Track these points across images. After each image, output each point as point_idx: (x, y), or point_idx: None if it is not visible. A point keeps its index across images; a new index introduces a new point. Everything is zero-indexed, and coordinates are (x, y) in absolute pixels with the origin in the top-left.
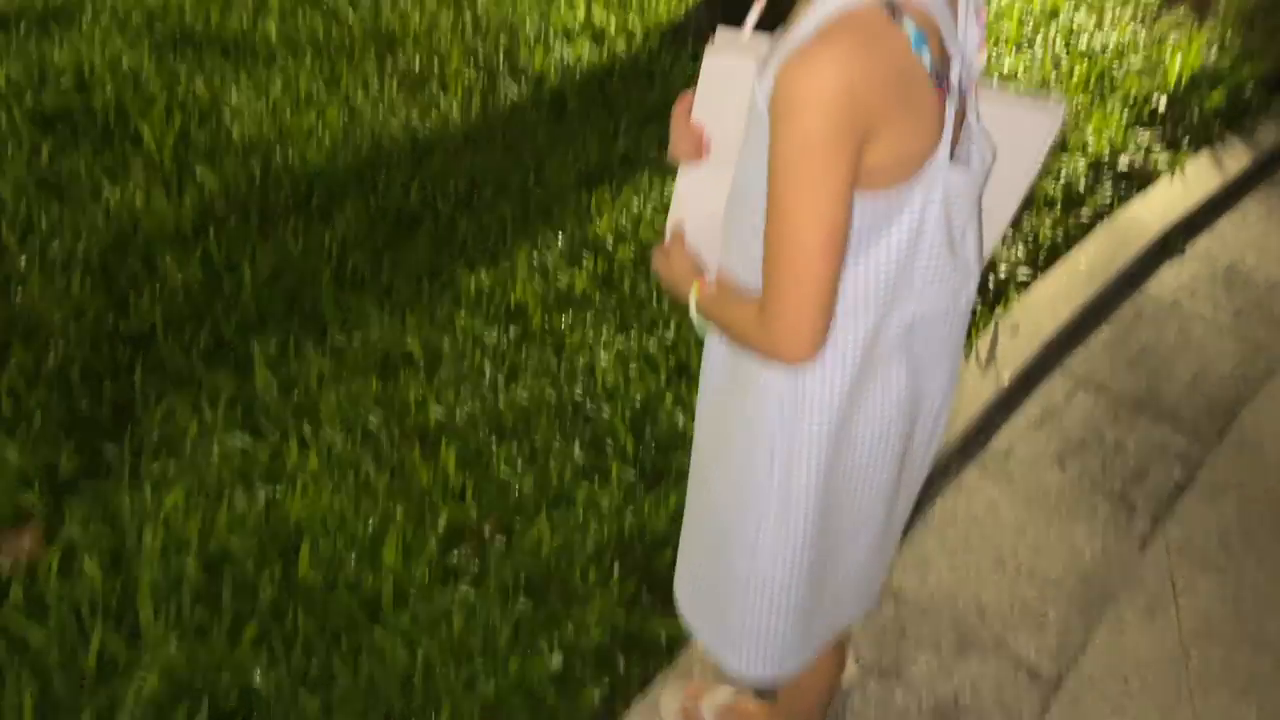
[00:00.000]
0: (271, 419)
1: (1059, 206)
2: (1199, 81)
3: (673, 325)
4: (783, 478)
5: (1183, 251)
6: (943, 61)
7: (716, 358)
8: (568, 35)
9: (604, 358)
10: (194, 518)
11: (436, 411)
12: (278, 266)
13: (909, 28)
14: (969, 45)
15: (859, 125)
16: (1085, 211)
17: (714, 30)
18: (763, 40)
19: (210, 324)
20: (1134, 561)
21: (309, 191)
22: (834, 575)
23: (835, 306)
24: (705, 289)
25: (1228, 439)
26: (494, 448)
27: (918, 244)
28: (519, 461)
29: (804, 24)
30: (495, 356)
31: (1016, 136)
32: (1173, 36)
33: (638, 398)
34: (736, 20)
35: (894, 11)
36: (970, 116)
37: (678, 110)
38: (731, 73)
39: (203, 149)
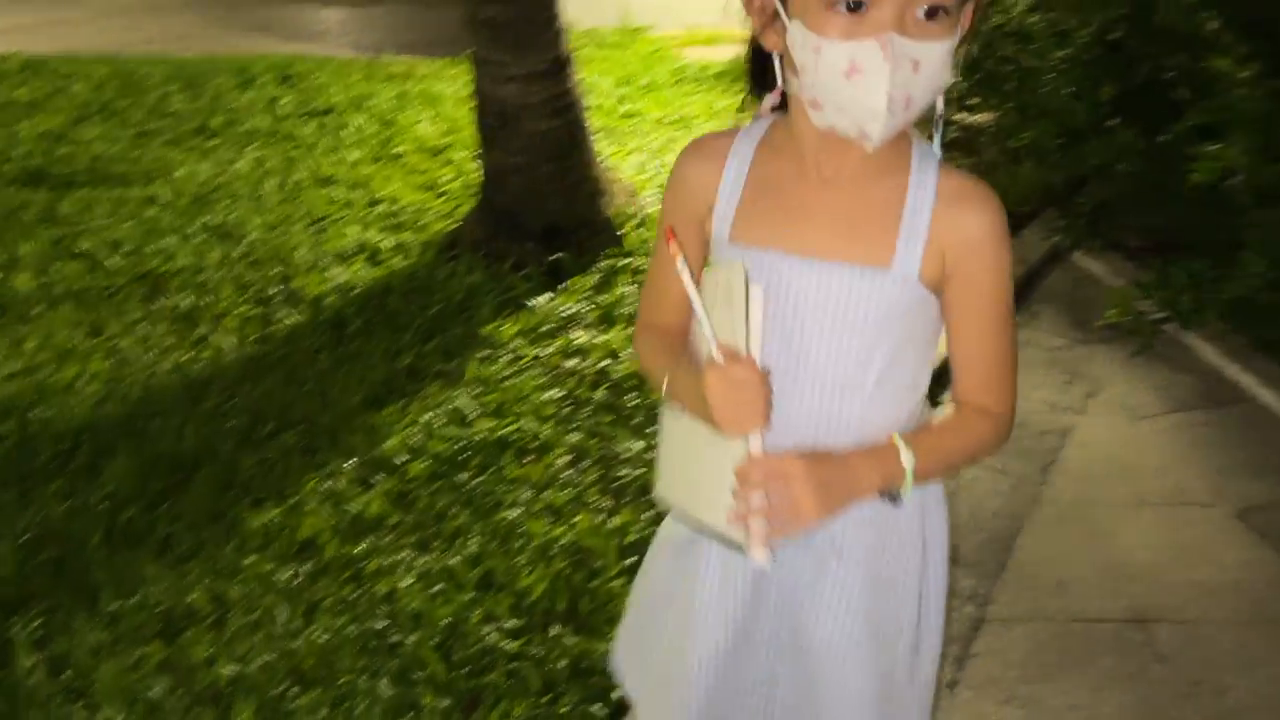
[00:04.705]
0: (39, 707)
1: None
2: None
3: (476, 536)
4: None
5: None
6: None
7: None
8: (342, 258)
9: (405, 582)
10: None
11: (228, 668)
12: (40, 535)
13: None
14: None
15: None
16: None
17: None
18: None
19: None
20: (945, 705)
21: (73, 449)
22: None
23: None
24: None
25: (1008, 571)
26: (294, 699)
27: None
28: (322, 710)
29: None
30: (289, 597)
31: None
32: None
33: (443, 620)
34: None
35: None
36: None
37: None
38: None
39: None
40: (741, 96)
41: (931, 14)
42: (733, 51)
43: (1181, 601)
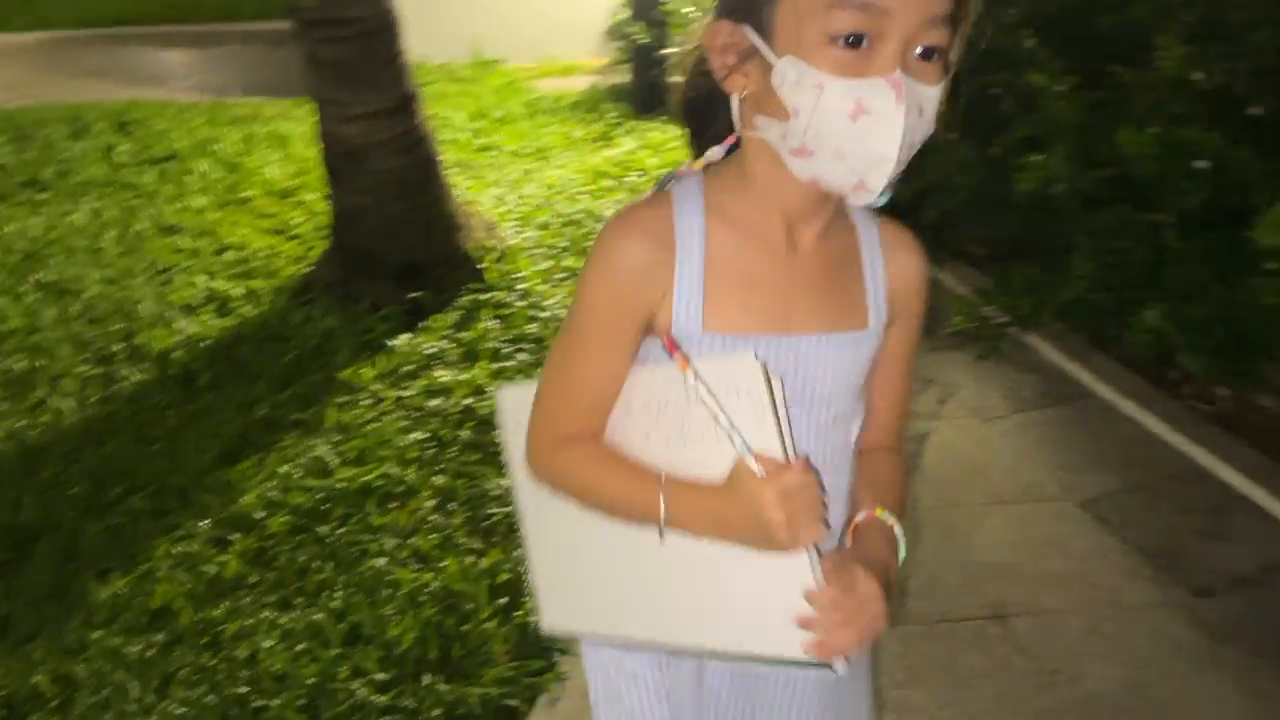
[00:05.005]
0: None
1: None
2: None
3: (341, 589)
4: None
5: None
6: None
7: None
8: (190, 309)
9: (267, 643)
10: None
11: None
12: None
13: None
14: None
15: None
16: None
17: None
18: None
19: None
20: None
21: None
22: None
23: None
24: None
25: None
26: None
27: None
28: None
29: None
30: (140, 671)
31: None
32: None
33: (309, 679)
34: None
35: None
36: None
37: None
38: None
39: None
40: (598, 126)
41: (928, 54)
42: (586, 82)
43: (1036, 594)
